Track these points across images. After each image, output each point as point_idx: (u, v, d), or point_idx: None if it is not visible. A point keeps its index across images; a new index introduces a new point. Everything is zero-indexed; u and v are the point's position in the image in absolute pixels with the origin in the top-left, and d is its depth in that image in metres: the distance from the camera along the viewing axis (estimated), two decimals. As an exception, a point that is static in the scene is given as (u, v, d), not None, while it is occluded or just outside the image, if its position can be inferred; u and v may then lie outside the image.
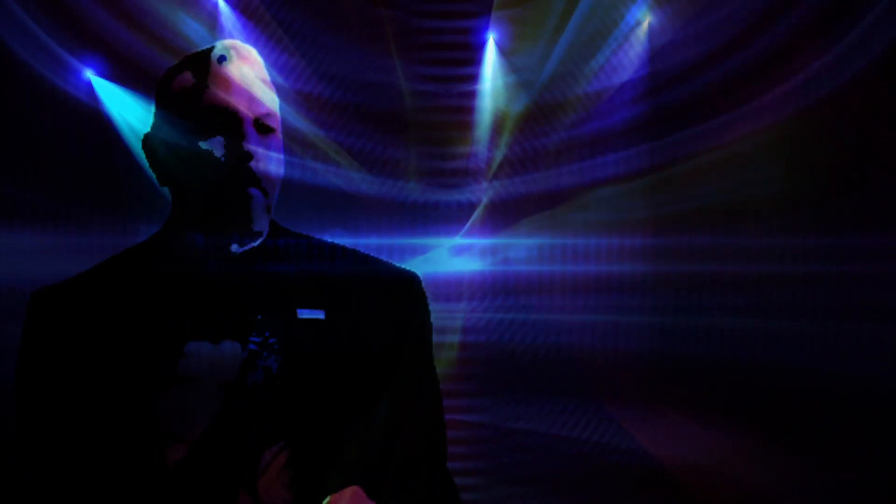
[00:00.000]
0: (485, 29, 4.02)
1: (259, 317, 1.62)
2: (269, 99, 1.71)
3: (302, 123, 3.77)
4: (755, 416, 3.78)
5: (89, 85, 3.87)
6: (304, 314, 1.64)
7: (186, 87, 1.67)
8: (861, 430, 3.69)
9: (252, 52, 1.73)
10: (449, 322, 3.94)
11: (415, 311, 1.76)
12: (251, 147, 1.64)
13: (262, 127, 1.68)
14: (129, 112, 3.86)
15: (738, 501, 3.76)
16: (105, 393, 1.56)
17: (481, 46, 4.04)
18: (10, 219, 3.63)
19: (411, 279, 1.77)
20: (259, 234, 1.68)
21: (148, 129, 1.72)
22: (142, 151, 1.73)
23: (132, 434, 1.54)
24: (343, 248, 1.80)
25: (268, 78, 1.74)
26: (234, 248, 1.68)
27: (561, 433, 3.92)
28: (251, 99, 1.67)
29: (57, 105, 3.81)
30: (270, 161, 1.68)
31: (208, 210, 1.66)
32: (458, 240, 4.04)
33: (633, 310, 3.96)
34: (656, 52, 3.97)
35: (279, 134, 1.72)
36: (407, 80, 4.01)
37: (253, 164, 1.64)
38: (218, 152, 1.63)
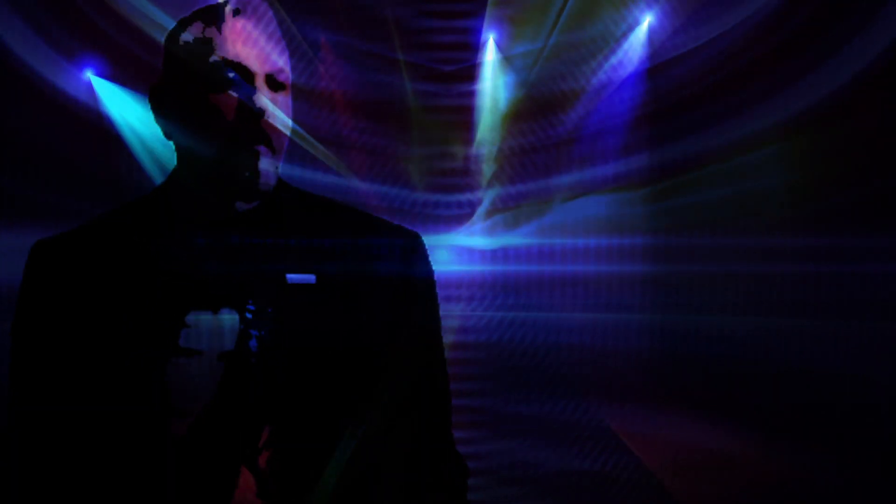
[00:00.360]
0: (484, 29, 4.02)
1: (254, 284, 1.57)
2: (282, 55, 1.66)
3: (303, 121, 3.77)
4: (756, 416, 3.77)
5: (89, 85, 3.87)
6: (294, 279, 1.59)
7: (199, 38, 1.62)
8: (862, 430, 3.69)
9: (266, 8, 1.68)
10: (448, 322, 3.94)
11: (415, 274, 1.69)
12: (262, 102, 1.59)
13: (274, 83, 1.63)
14: (129, 112, 3.86)
15: (738, 501, 3.76)
16: (103, 361, 1.52)
17: (482, 46, 4.04)
18: (10, 219, 3.63)
19: (412, 239, 1.71)
20: (264, 193, 1.62)
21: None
22: (149, 109, 1.67)
23: (133, 407, 1.50)
24: (348, 209, 1.74)
25: (280, 35, 1.69)
26: (239, 206, 1.63)
27: (560, 433, 3.92)
28: (264, 54, 1.62)
29: (57, 105, 3.80)
30: (280, 118, 1.62)
31: (214, 165, 1.60)
32: (458, 239, 4.04)
33: (633, 309, 3.96)
34: (656, 53, 3.97)
35: (289, 92, 1.67)
36: (409, 79, 4.01)
37: (260, 128, 1.59)
38: (228, 106, 1.58)
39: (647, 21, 3.95)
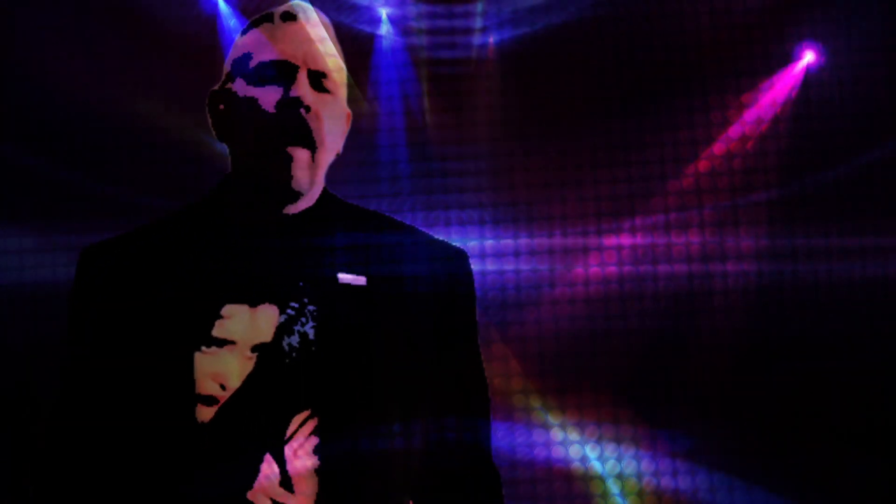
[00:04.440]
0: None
1: (301, 283, 1.59)
2: (329, 60, 1.67)
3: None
4: (757, 419, 3.77)
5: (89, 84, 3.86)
6: (345, 279, 1.61)
7: (249, 42, 1.68)
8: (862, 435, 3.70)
9: (321, 16, 1.71)
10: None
11: (459, 288, 1.72)
12: (300, 94, 1.60)
13: (318, 84, 1.65)
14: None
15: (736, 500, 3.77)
16: (144, 352, 1.55)
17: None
18: (10, 219, 3.64)
19: (459, 254, 1.74)
20: (298, 194, 1.63)
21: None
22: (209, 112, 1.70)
23: (165, 394, 1.53)
24: (392, 220, 1.77)
25: (336, 46, 1.71)
26: (287, 209, 1.65)
27: (553, 432, 3.91)
28: (307, 52, 1.64)
29: (56, 104, 3.80)
30: (321, 119, 1.62)
31: (252, 163, 1.63)
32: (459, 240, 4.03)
33: (633, 310, 3.95)
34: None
35: (339, 101, 1.68)
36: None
37: (299, 116, 1.60)
38: (265, 99, 1.60)
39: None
